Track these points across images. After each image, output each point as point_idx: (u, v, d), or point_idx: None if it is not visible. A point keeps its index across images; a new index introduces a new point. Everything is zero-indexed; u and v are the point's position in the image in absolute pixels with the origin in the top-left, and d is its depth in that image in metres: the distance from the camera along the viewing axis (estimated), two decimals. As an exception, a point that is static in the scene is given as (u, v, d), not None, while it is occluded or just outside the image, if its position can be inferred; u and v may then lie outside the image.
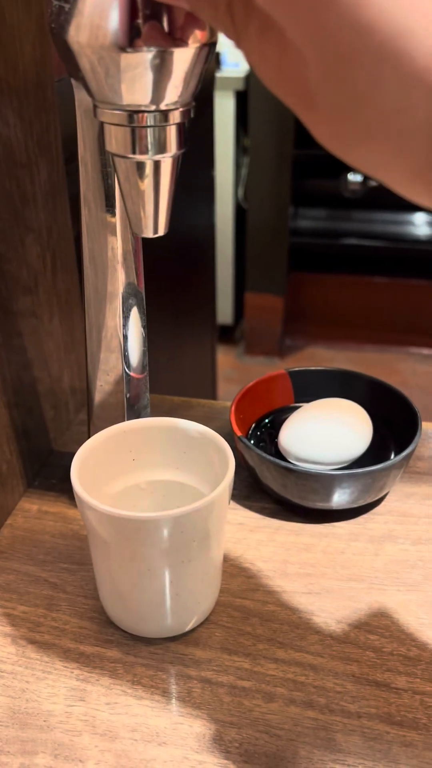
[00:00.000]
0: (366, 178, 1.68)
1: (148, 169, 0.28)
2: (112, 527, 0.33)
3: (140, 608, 0.37)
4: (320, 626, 0.39)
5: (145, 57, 0.25)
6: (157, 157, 0.28)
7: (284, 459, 0.47)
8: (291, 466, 0.44)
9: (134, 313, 0.41)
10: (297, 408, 0.50)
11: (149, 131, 0.27)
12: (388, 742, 0.33)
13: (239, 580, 0.42)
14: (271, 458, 0.44)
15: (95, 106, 0.28)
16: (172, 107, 0.27)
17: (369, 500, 0.45)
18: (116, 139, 0.27)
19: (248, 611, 0.40)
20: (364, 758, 0.32)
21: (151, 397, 0.45)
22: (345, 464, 0.47)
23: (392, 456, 0.48)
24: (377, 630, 0.39)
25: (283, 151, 1.70)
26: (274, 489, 0.45)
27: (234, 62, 1.69)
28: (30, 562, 0.43)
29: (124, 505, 0.40)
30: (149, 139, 0.27)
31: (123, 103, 0.26)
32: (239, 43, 0.20)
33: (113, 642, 0.38)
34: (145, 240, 0.36)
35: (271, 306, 1.94)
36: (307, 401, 0.50)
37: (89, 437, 0.39)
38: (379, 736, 0.33)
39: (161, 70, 0.25)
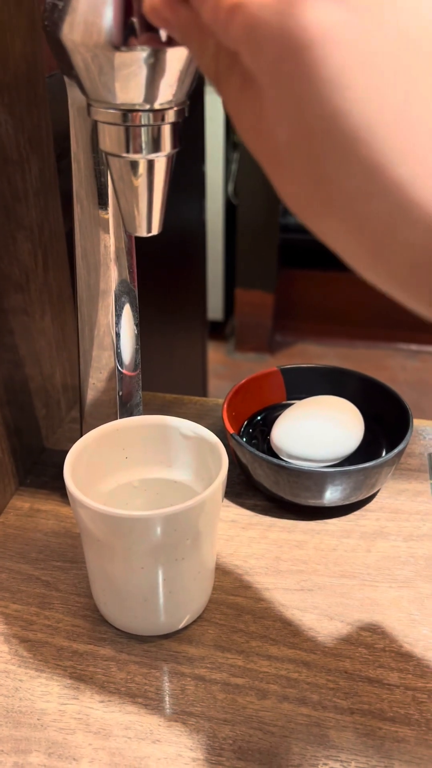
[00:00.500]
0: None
1: (142, 168, 0.28)
2: (105, 525, 0.33)
3: (133, 606, 0.37)
4: (313, 623, 0.39)
5: (139, 56, 0.24)
6: (151, 156, 0.28)
7: (276, 456, 0.47)
8: (283, 463, 0.44)
9: (127, 311, 0.41)
10: (289, 405, 0.50)
11: (143, 130, 0.27)
12: (381, 737, 0.33)
13: (232, 578, 0.42)
14: (264, 455, 0.44)
15: (89, 105, 0.28)
16: (167, 106, 0.27)
17: (361, 497, 0.45)
18: (110, 138, 0.27)
19: (241, 608, 0.40)
20: (356, 754, 0.33)
21: (143, 394, 0.45)
22: (337, 461, 0.47)
23: (384, 453, 0.48)
24: (369, 626, 0.39)
25: (274, 147, 1.70)
26: (266, 486, 0.45)
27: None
28: (22, 561, 0.43)
29: (117, 503, 0.40)
30: (143, 138, 0.27)
31: (117, 101, 0.26)
32: (219, 90, 0.20)
33: (106, 640, 0.38)
34: (136, 237, 0.36)
35: (261, 302, 1.94)
36: (300, 398, 0.51)
37: (81, 435, 0.39)
38: (371, 732, 0.34)
39: (155, 69, 0.25)
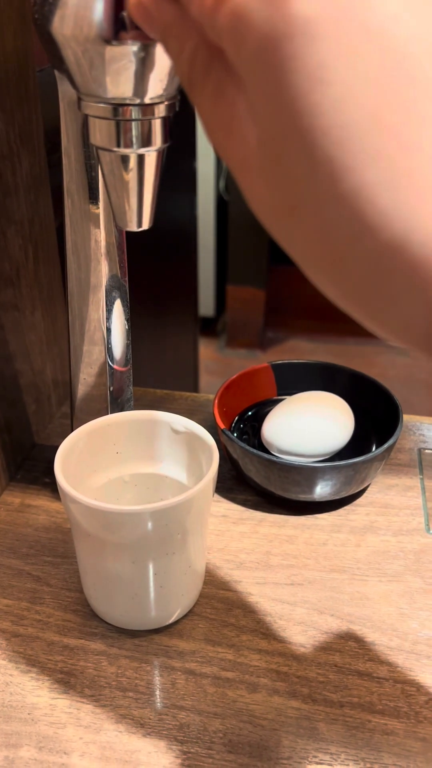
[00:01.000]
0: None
1: (133, 163, 0.28)
2: (96, 520, 0.33)
3: (124, 601, 0.37)
4: (303, 617, 0.39)
5: (129, 50, 0.24)
6: (142, 150, 0.28)
7: (267, 451, 0.47)
8: (274, 458, 0.44)
9: (117, 306, 0.41)
10: (280, 401, 0.50)
11: (134, 125, 0.27)
12: (370, 730, 0.34)
13: (223, 572, 0.42)
14: (255, 451, 0.44)
15: (79, 99, 0.28)
16: (157, 100, 0.27)
17: (351, 492, 0.45)
18: (100, 132, 0.27)
19: (231, 603, 0.40)
20: (346, 746, 0.33)
21: (134, 389, 0.45)
22: (327, 456, 0.47)
23: (374, 448, 0.48)
24: (359, 620, 0.39)
25: (265, 143, 1.70)
26: (257, 481, 0.46)
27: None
28: (13, 556, 0.43)
29: (108, 498, 0.40)
30: (134, 132, 0.27)
31: (107, 96, 0.26)
32: (192, 94, 0.20)
33: (97, 634, 0.38)
34: (127, 232, 0.36)
35: (252, 298, 1.94)
36: (290, 394, 0.51)
37: (72, 430, 0.39)
38: (361, 725, 0.34)
39: (146, 63, 0.25)
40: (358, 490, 0.46)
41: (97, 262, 0.38)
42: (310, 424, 0.47)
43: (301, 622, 0.39)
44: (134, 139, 0.27)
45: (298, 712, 0.34)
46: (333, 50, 0.15)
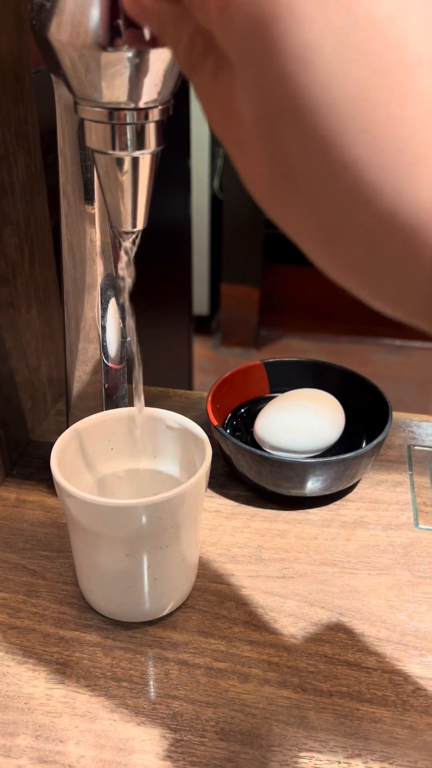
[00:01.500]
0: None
1: (127, 165, 0.29)
2: (91, 514, 0.34)
3: (119, 593, 0.37)
4: (294, 609, 0.40)
5: (124, 56, 0.25)
6: (136, 153, 0.28)
7: (259, 448, 0.48)
8: (266, 454, 0.45)
9: (112, 305, 0.41)
10: (272, 398, 0.51)
11: (128, 128, 0.27)
12: (359, 718, 0.34)
13: (215, 566, 0.43)
14: (247, 447, 0.45)
15: (76, 103, 0.28)
16: (151, 105, 0.27)
17: (341, 487, 0.46)
18: (96, 136, 0.28)
19: (224, 595, 0.41)
20: (335, 734, 0.34)
21: (129, 387, 0.46)
22: (318, 452, 0.48)
23: (364, 444, 0.49)
24: (349, 612, 0.40)
25: (259, 142, 1.70)
26: (249, 477, 0.46)
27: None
28: (9, 550, 0.44)
29: (103, 493, 0.41)
30: (128, 136, 0.28)
31: (103, 100, 0.27)
32: (192, 78, 0.20)
33: (92, 626, 0.39)
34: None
35: (247, 297, 1.95)
36: (282, 391, 0.52)
37: (68, 427, 0.39)
38: (349, 713, 0.35)
39: (140, 68, 0.26)
40: (349, 485, 0.47)
41: (93, 262, 0.39)
42: (301, 421, 0.47)
43: (292, 614, 0.40)
44: (129, 143, 0.28)
45: (289, 701, 0.35)
46: (319, 31, 0.15)
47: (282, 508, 0.47)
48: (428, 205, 0.16)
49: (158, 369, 1.10)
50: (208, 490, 0.49)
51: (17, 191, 0.47)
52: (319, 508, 0.47)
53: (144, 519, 0.33)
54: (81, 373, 0.43)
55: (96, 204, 0.37)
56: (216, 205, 1.85)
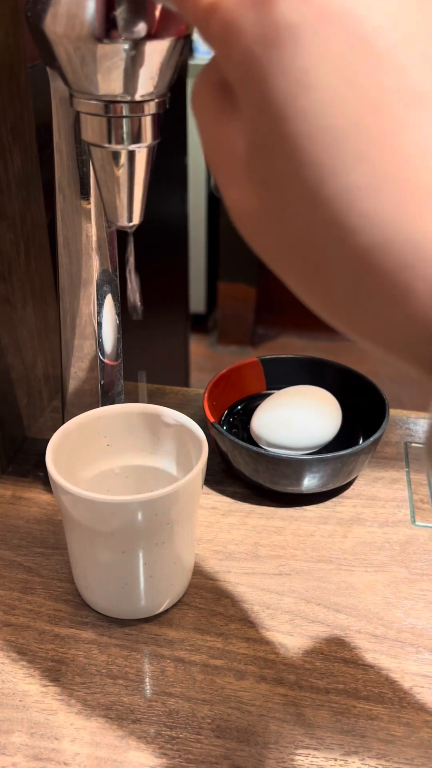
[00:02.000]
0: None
1: (123, 159, 0.28)
2: (87, 511, 0.34)
3: (115, 590, 0.37)
4: (290, 606, 0.40)
5: (120, 48, 0.25)
6: (132, 147, 0.28)
7: (256, 445, 0.48)
8: (262, 451, 0.45)
9: (108, 301, 0.41)
10: (269, 395, 0.51)
11: (124, 121, 0.27)
12: (355, 715, 0.34)
13: (212, 563, 0.43)
14: (244, 444, 0.44)
15: (71, 96, 0.28)
16: (148, 98, 0.27)
17: (338, 484, 0.46)
18: (92, 129, 0.28)
19: (220, 592, 0.41)
20: (332, 732, 0.34)
21: (125, 384, 0.46)
22: (315, 449, 0.48)
23: (361, 441, 0.49)
24: (345, 609, 0.40)
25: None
26: (246, 474, 0.46)
27: (207, 50, 1.69)
28: (4, 547, 0.44)
29: (99, 489, 0.40)
30: (124, 129, 0.27)
31: (99, 93, 0.27)
32: (198, 113, 0.20)
33: (88, 623, 0.39)
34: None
35: (244, 295, 1.95)
36: (279, 388, 0.51)
37: (63, 423, 0.39)
38: (346, 710, 0.35)
39: (137, 61, 0.26)
40: (345, 482, 0.47)
41: (89, 257, 0.39)
42: (298, 418, 0.47)
43: (289, 611, 0.40)
44: (125, 136, 0.28)
45: (285, 699, 0.35)
46: (318, 56, 0.15)
47: (279, 505, 0.47)
48: (421, 237, 0.15)
49: (155, 367, 1.10)
50: (205, 486, 0.48)
51: (13, 187, 0.47)
52: (315, 505, 0.47)
53: (139, 515, 0.33)
54: (77, 370, 0.43)
55: (92, 199, 0.37)
56: (213, 203, 1.85)
